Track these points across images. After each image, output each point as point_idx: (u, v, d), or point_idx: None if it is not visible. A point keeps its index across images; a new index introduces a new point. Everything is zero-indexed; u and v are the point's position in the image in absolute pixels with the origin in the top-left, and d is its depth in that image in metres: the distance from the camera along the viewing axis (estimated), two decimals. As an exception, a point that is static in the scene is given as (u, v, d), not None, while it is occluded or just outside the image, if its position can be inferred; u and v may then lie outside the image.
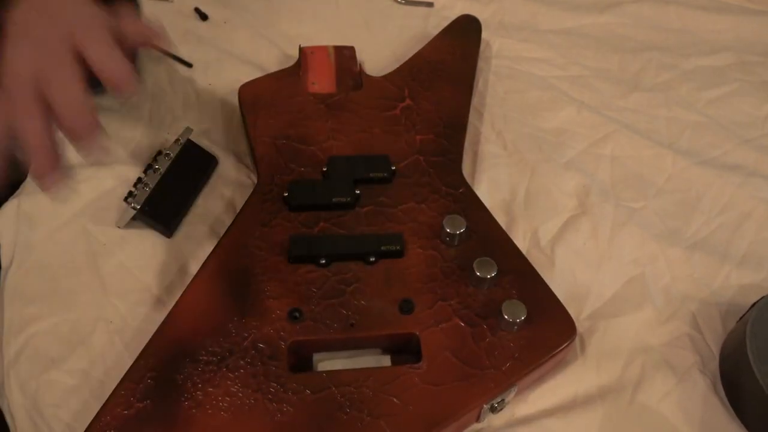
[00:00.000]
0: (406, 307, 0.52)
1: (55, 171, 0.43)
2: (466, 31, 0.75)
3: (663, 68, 0.77)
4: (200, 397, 0.47)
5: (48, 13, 0.47)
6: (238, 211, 0.58)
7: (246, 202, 0.58)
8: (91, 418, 0.46)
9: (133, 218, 0.58)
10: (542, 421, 0.51)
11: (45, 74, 0.44)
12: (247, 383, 0.48)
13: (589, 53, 0.78)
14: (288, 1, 0.81)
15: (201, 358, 0.49)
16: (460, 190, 0.60)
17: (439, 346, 0.50)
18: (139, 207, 0.57)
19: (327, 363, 0.52)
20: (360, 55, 0.71)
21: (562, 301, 0.53)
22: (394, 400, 0.48)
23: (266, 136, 0.62)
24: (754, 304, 0.55)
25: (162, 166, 0.60)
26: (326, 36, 0.77)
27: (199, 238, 0.59)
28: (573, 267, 0.60)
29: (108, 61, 0.46)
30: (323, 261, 0.54)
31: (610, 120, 0.71)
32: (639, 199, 0.65)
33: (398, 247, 0.55)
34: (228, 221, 0.58)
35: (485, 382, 0.49)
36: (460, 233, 0.55)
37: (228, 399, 0.47)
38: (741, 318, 0.55)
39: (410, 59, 0.71)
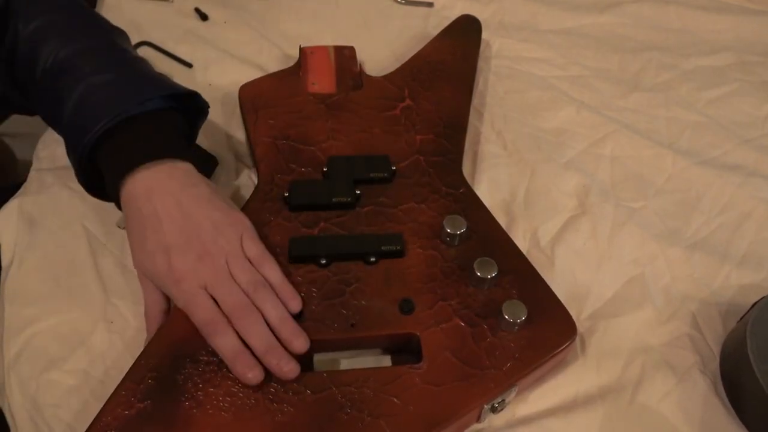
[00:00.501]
0: (407, 307, 0.52)
1: (254, 369, 0.47)
2: (466, 31, 0.75)
3: (663, 68, 0.78)
4: (201, 397, 0.47)
5: (190, 214, 0.51)
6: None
7: (246, 202, 0.58)
8: (92, 418, 0.46)
9: (134, 218, 0.58)
10: (543, 421, 0.51)
11: (219, 285, 0.49)
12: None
13: (589, 53, 0.78)
14: (288, 1, 0.81)
15: (201, 358, 0.49)
16: (461, 190, 0.60)
17: (440, 347, 0.50)
18: (139, 207, 0.57)
19: (327, 363, 0.52)
20: (360, 55, 0.71)
21: (562, 301, 0.53)
22: (395, 400, 0.48)
23: (266, 136, 0.62)
24: (754, 304, 0.55)
25: (162, 166, 0.60)
26: (326, 36, 0.77)
27: (199, 238, 0.59)
28: (573, 267, 0.60)
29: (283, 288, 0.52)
30: (323, 261, 0.54)
31: (610, 120, 0.71)
32: (639, 199, 0.65)
33: (398, 247, 0.55)
34: (228, 221, 0.58)
35: (485, 382, 0.49)
36: (461, 233, 0.55)
37: (228, 399, 0.47)
38: (741, 318, 0.55)
39: (410, 59, 0.71)
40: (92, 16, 0.59)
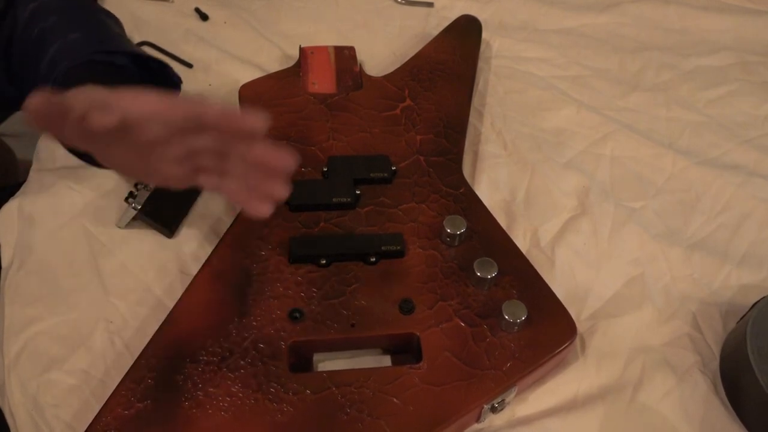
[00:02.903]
0: (407, 307, 0.52)
1: (265, 202, 0.45)
2: (466, 31, 0.75)
3: (663, 68, 0.78)
4: (201, 397, 0.47)
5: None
6: (238, 211, 0.58)
7: (246, 202, 0.58)
8: (92, 418, 0.46)
9: (134, 218, 0.58)
10: (542, 421, 0.51)
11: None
12: (247, 383, 0.48)
13: (589, 53, 0.78)
14: (288, 1, 0.81)
15: (201, 358, 0.49)
16: (461, 190, 0.60)
17: (440, 347, 0.50)
18: (139, 207, 0.57)
19: (327, 363, 0.52)
20: (360, 55, 0.71)
21: (562, 301, 0.53)
22: (395, 400, 0.48)
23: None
24: (754, 304, 0.55)
25: (162, 166, 0.60)
26: (326, 36, 0.77)
27: (199, 238, 0.59)
28: (573, 267, 0.60)
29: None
30: (324, 261, 0.54)
31: (610, 120, 0.71)
32: (639, 199, 0.65)
33: (398, 247, 0.55)
34: (228, 221, 0.58)
35: (485, 382, 0.49)
36: (461, 233, 0.55)
37: (228, 399, 0.47)
38: (741, 318, 0.55)
39: (410, 59, 0.71)
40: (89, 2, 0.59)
